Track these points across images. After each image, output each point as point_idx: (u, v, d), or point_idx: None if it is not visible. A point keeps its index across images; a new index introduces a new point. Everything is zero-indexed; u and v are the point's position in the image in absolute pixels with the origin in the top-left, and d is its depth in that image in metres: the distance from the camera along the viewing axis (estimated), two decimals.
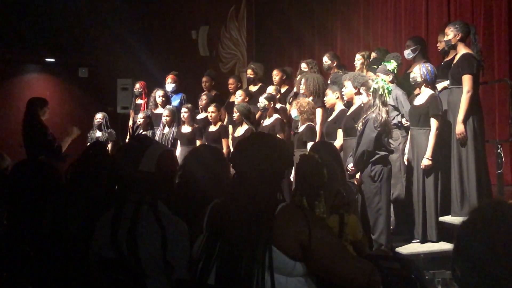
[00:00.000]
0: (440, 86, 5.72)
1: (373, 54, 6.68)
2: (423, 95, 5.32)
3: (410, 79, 5.50)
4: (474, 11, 6.85)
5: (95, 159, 2.74)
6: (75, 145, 6.52)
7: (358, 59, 6.76)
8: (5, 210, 2.83)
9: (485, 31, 6.66)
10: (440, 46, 5.84)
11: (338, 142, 5.69)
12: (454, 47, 5.44)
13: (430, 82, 5.32)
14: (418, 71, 5.34)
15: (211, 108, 7.28)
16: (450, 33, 5.37)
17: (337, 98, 5.94)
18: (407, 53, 6.03)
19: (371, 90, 5.07)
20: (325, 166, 2.55)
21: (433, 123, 5.20)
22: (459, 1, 7.06)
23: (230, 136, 7.18)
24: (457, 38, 5.34)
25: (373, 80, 5.20)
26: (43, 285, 2.51)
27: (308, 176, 2.52)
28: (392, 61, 5.90)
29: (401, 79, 6.12)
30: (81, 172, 2.74)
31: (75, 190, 2.69)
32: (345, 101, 5.85)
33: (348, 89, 5.60)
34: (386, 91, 5.05)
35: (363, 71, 6.46)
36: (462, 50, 5.32)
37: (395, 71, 5.86)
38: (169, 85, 8.25)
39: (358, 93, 5.45)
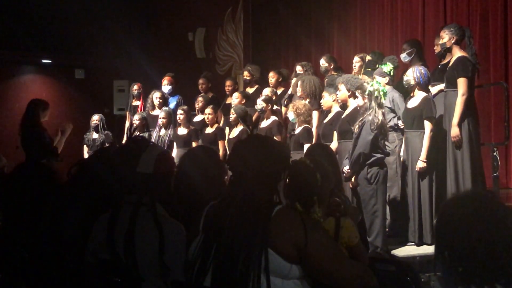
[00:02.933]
0: (436, 89, 5.74)
1: (368, 57, 6.69)
2: (417, 97, 5.34)
3: (404, 82, 5.51)
4: (470, 15, 6.88)
5: (100, 164, 2.73)
6: (71, 146, 6.51)
7: (357, 62, 6.74)
8: (1, 211, 2.82)
9: (481, 34, 6.69)
10: (437, 49, 5.85)
11: (334, 144, 5.70)
12: (449, 50, 5.46)
13: (424, 85, 5.33)
14: (412, 74, 5.35)
15: (208, 110, 7.29)
16: (445, 36, 5.39)
17: (334, 100, 5.95)
18: (403, 57, 6.05)
19: (367, 92, 5.09)
20: (318, 170, 2.53)
21: (427, 125, 5.21)
22: (456, 5, 7.10)
23: (226, 138, 7.18)
24: (452, 41, 5.35)
25: (368, 83, 5.21)
26: (38, 287, 2.50)
27: (301, 182, 2.50)
28: (388, 63, 5.91)
29: (398, 82, 6.14)
30: (84, 173, 2.73)
31: (73, 192, 2.68)
32: (341, 104, 5.86)
33: (342, 92, 5.61)
34: (381, 93, 5.06)
35: (361, 73, 6.47)
36: (457, 53, 5.33)
37: (392, 73, 5.87)
38: (165, 87, 8.26)
39: (352, 95, 5.46)
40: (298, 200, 2.41)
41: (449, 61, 5.53)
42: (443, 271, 1.55)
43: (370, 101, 5.03)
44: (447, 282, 1.53)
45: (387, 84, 5.65)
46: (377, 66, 6.14)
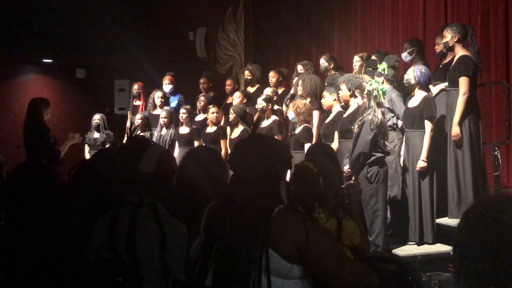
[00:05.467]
0: (438, 88, 5.73)
1: (373, 57, 6.68)
2: (417, 97, 5.34)
3: (404, 81, 5.50)
4: (471, 14, 6.86)
5: (101, 164, 2.72)
6: (73, 146, 6.48)
7: (357, 61, 6.74)
8: (2, 211, 2.82)
9: (482, 33, 6.66)
10: (438, 48, 5.85)
11: (335, 144, 5.70)
12: (451, 49, 5.45)
13: (424, 85, 5.33)
14: (412, 73, 5.35)
15: (214, 109, 7.28)
16: (448, 35, 5.38)
17: (334, 100, 5.95)
18: (404, 56, 6.05)
19: (365, 92, 5.09)
20: (322, 174, 2.52)
21: (427, 125, 5.21)
22: (456, 4, 7.07)
23: (228, 138, 7.19)
24: (455, 40, 5.35)
25: (367, 82, 5.21)
26: (40, 287, 2.51)
27: (303, 187, 2.48)
28: (383, 62, 5.91)
29: (398, 81, 6.13)
30: (85, 173, 2.73)
31: (74, 192, 2.68)
32: (342, 103, 5.86)
33: (343, 91, 5.61)
34: (380, 92, 5.06)
35: (361, 73, 6.47)
36: (459, 52, 5.33)
37: (386, 72, 5.84)
38: (167, 86, 8.27)
39: (353, 95, 5.46)
40: (300, 204, 2.41)
41: (451, 60, 5.53)
42: (462, 271, 1.53)
43: (369, 100, 5.04)
44: (466, 283, 1.51)
45: (382, 83, 5.64)
46: (377, 65, 6.13)
